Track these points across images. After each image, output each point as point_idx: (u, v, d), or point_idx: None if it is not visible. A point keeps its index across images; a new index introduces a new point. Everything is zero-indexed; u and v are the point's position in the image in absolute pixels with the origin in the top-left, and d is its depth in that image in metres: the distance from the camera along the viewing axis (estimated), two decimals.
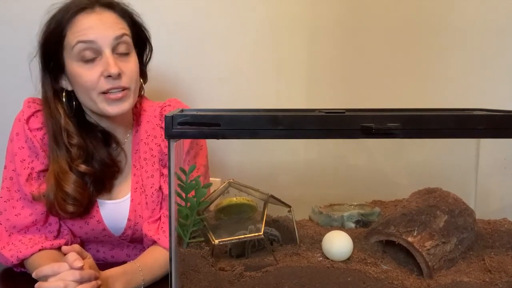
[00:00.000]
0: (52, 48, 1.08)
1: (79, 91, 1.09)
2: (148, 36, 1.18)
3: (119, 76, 1.05)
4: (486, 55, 1.44)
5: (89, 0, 1.07)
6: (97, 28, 1.05)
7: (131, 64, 1.09)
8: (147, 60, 1.21)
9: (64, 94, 1.11)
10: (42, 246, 1.08)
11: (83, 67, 1.06)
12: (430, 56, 1.46)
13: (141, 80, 1.17)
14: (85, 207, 1.11)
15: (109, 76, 1.04)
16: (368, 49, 1.49)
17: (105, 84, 1.05)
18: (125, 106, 1.08)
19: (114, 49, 1.06)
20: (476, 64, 1.44)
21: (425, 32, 1.46)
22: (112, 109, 1.07)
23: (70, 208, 1.08)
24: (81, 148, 1.10)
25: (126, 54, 1.09)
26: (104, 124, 1.15)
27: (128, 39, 1.09)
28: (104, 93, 1.06)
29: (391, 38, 1.48)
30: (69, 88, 1.11)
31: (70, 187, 1.07)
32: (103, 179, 1.13)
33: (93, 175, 1.11)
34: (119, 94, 1.07)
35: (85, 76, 1.05)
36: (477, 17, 1.43)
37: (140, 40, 1.16)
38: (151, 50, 1.20)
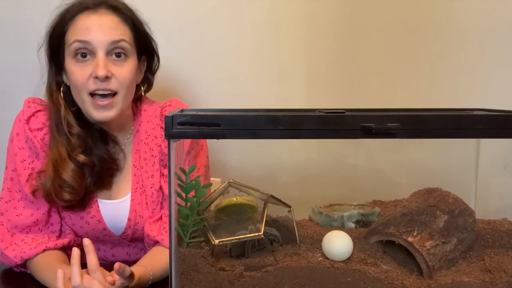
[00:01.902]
0: (55, 42, 1.09)
1: (72, 88, 1.10)
2: (154, 46, 1.17)
3: (107, 78, 1.05)
4: (486, 55, 1.44)
5: (95, 0, 1.08)
6: (95, 30, 1.05)
7: (124, 69, 1.08)
8: (155, 69, 1.21)
9: (62, 88, 1.12)
10: (46, 246, 1.09)
11: (77, 65, 1.06)
12: (430, 56, 1.46)
13: (142, 88, 1.18)
14: (82, 198, 1.10)
15: (97, 77, 1.05)
16: (368, 49, 1.49)
17: (92, 85, 1.06)
18: (111, 113, 1.08)
19: (109, 52, 1.07)
20: (476, 64, 1.44)
21: (425, 32, 1.46)
22: (98, 114, 1.08)
23: (66, 196, 1.07)
24: (81, 138, 1.10)
25: (122, 59, 1.08)
26: (101, 124, 1.15)
27: (125, 44, 1.08)
28: (92, 95, 1.06)
29: (391, 38, 1.47)
30: (68, 83, 1.12)
31: (67, 175, 1.07)
32: (101, 174, 1.13)
33: (91, 166, 1.11)
34: (106, 101, 1.07)
35: (76, 75, 1.06)
36: (477, 17, 1.43)
37: (145, 48, 1.15)
38: (158, 60, 1.20)
